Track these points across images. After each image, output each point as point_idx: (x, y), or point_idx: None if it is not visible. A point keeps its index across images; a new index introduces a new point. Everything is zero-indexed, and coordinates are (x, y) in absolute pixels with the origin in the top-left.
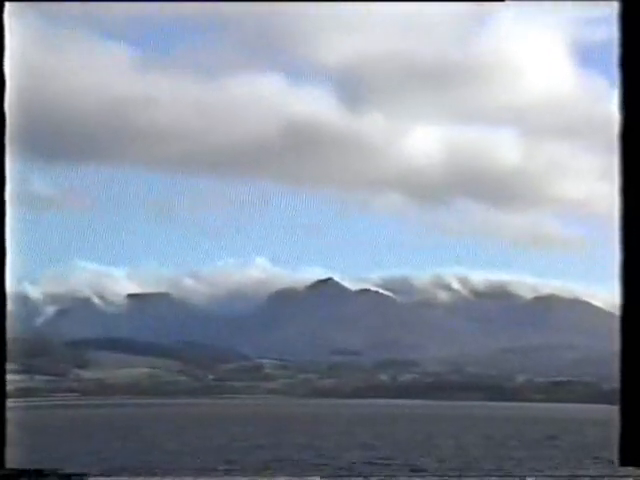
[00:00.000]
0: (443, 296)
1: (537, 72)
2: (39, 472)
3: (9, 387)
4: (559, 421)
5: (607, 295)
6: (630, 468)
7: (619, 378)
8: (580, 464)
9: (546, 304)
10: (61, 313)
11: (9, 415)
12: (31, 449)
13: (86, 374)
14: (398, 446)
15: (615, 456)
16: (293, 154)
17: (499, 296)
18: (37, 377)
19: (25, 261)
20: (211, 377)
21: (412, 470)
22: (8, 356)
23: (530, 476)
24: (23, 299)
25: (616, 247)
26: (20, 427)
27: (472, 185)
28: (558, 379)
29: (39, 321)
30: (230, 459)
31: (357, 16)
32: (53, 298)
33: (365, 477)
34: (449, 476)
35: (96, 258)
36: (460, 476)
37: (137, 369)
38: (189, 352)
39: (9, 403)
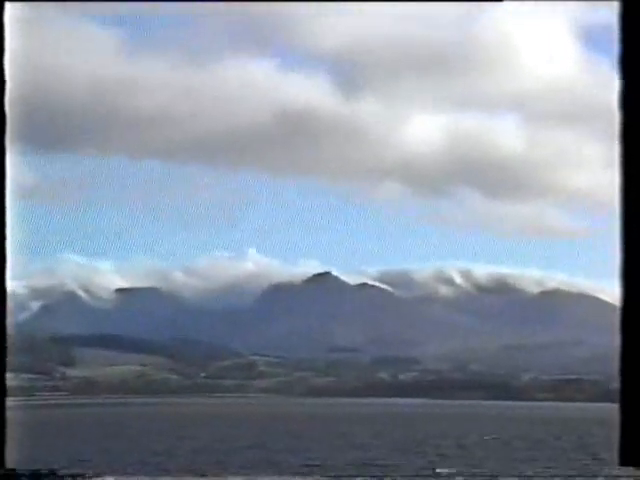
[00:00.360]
0: (445, 290)
1: (540, 57)
2: (38, 472)
3: None
4: (566, 421)
5: (615, 289)
6: (630, 468)
7: (619, 378)
8: (586, 466)
9: (552, 299)
10: (46, 308)
11: None
12: (10, 452)
13: (72, 372)
14: (398, 448)
15: (615, 456)
16: (287, 142)
17: (503, 290)
18: (21, 375)
19: (8, 254)
20: (203, 375)
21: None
22: None
23: (530, 476)
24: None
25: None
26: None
27: (474, 174)
28: (565, 377)
29: (23, 316)
30: (218, 460)
31: None
32: (38, 292)
33: (365, 477)
34: (450, 476)
35: (82, 251)
36: (461, 476)
37: (125, 367)
38: (180, 349)
39: None
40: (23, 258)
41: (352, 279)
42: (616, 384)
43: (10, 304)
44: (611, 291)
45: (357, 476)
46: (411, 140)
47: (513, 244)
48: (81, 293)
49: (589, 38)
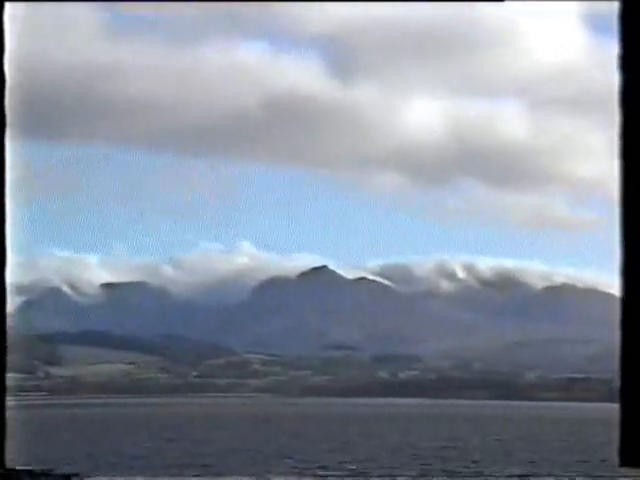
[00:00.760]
0: (446, 285)
1: (546, 40)
2: (38, 472)
3: None
4: (573, 422)
5: None
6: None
7: (619, 378)
8: (592, 469)
9: (558, 294)
10: (29, 304)
11: None
12: None
13: (57, 371)
14: (397, 450)
15: (615, 456)
16: (278, 129)
17: (507, 285)
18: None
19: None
20: (194, 374)
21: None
22: None
23: (530, 476)
24: None
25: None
26: None
27: (476, 163)
28: (572, 376)
29: None
30: (208, 464)
31: None
32: (20, 288)
33: (366, 477)
34: (449, 477)
35: (66, 244)
36: (462, 476)
37: (112, 365)
38: (169, 347)
39: None
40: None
41: (350, 273)
42: None
43: None
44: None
45: (357, 476)
46: (410, 127)
47: (518, 236)
48: (65, 288)
49: (597, 22)
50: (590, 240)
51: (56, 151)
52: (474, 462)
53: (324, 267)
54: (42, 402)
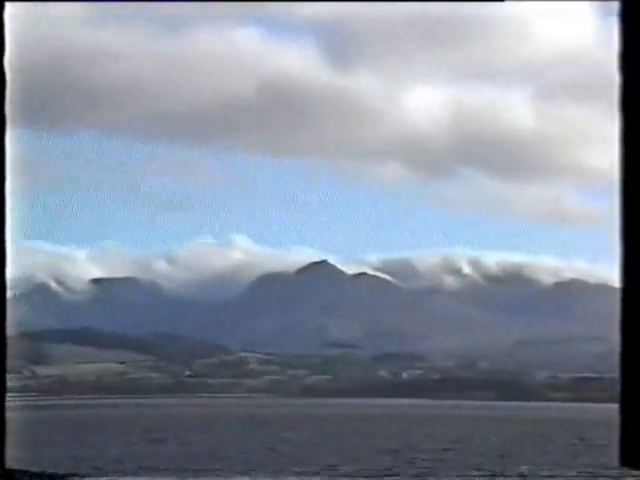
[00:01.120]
0: (451, 281)
1: (554, 24)
2: (38, 473)
3: None
4: (583, 423)
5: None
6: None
7: (619, 379)
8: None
9: (568, 290)
10: (14, 301)
11: None
12: None
13: (44, 370)
14: (397, 454)
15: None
16: (274, 117)
17: (515, 281)
18: None
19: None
20: (187, 373)
21: None
22: None
23: (531, 476)
24: None
25: None
26: None
27: (481, 153)
28: (582, 375)
29: None
30: (197, 469)
31: None
32: None
33: (366, 477)
34: (450, 477)
35: (53, 237)
36: (462, 476)
37: (102, 364)
38: (162, 345)
39: None
40: None
41: (350, 268)
42: None
43: None
44: None
45: (358, 476)
46: (412, 115)
47: (526, 230)
48: (52, 284)
49: (607, 5)
50: (601, 233)
51: (42, 140)
52: (478, 469)
53: (323, 262)
54: (28, 403)
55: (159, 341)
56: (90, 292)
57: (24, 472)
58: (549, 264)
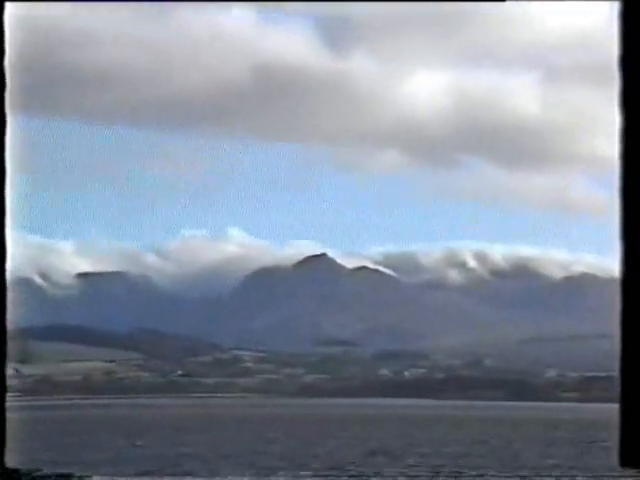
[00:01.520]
0: (456, 275)
1: (562, 4)
2: (37, 473)
3: None
4: (593, 424)
5: None
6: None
7: (619, 379)
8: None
9: (578, 284)
10: None
11: None
12: None
13: (27, 369)
14: (399, 454)
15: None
16: (269, 103)
17: (522, 275)
18: None
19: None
20: (178, 372)
21: None
22: None
23: (531, 476)
24: None
25: None
26: None
27: (484, 141)
28: (593, 374)
29: None
30: (186, 471)
31: None
32: None
33: (368, 477)
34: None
35: (37, 229)
36: (463, 476)
37: (89, 363)
38: (152, 343)
39: None
40: None
41: (350, 262)
42: None
43: None
44: None
45: (357, 476)
46: (412, 101)
47: (533, 221)
48: (37, 279)
49: None
50: (612, 225)
51: (25, 126)
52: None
53: (322, 255)
54: (11, 404)
55: (149, 339)
56: (77, 287)
57: (24, 472)
58: (558, 257)
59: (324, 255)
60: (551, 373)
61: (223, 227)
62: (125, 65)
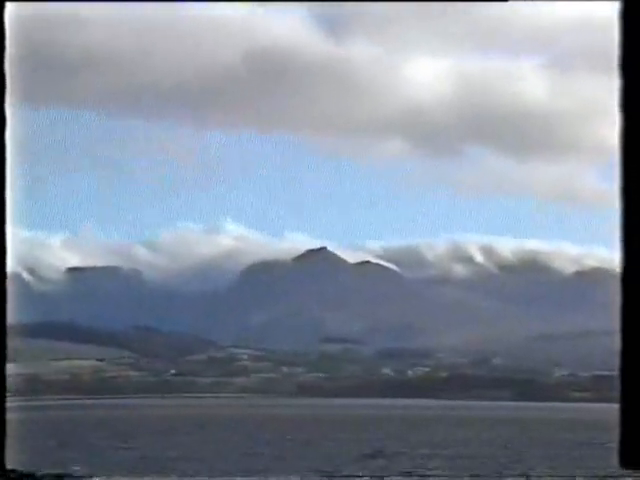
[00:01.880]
0: (461, 270)
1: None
2: (38, 473)
3: None
4: (605, 425)
5: None
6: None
7: (619, 378)
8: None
9: (590, 279)
10: None
11: None
12: None
13: (13, 368)
14: (397, 462)
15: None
16: (264, 90)
17: (531, 270)
18: None
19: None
20: (172, 371)
21: None
22: None
23: (531, 476)
24: None
25: None
26: None
27: (490, 129)
28: (605, 373)
29: None
30: (181, 474)
31: None
32: None
33: (369, 477)
34: (450, 476)
35: (24, 222)
36: (462, 476)
37: (78, 361)
38: (144, 340)
39: None
40: None
41: (351, 256)
42: None
43: None
44: None
45: (357, 476)
46: (413, 87)
47: (542, 214)
48: (24, 273)
49: None
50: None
51: (10, 115)
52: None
53: (322, 249)
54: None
55: (141, 336)
56: (66, 282)
57: (25, 473)
58: (568, 251)
59: (324, 249)
60: (561, 372)
61: (218, 219)
62: (114, 49)
